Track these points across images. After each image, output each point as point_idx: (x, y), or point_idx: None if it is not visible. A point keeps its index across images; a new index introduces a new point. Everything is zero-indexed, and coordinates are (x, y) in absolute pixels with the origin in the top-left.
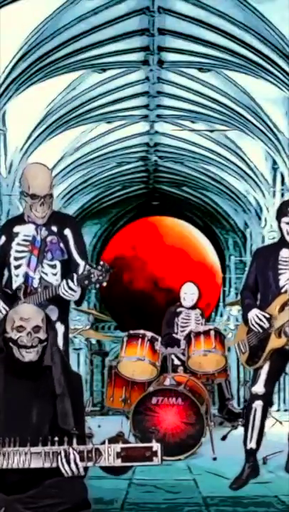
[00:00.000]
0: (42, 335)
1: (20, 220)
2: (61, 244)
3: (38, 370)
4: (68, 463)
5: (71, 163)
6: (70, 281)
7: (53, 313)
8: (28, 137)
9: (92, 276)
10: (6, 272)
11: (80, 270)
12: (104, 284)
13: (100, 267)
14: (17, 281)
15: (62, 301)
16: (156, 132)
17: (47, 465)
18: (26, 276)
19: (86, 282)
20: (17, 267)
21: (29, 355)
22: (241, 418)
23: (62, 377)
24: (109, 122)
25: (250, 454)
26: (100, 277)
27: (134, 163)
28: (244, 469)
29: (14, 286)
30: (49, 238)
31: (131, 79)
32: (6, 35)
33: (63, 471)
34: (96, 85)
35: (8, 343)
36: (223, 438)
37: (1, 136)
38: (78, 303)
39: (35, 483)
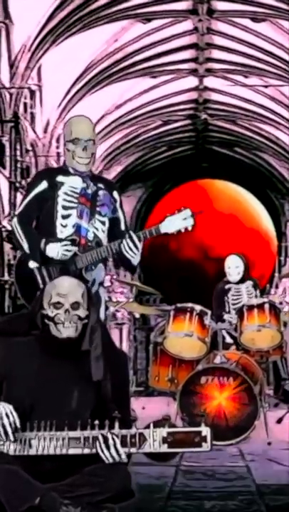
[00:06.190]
0: (82, 312)
1: (62, 170)
2: (112, 200)
3: (78, 350)
4: (108, 448)
5: (112, 122)
6: (134, 237)
7: (101, 272)
8: (66, 93)
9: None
10: (42, 218)
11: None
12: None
13: (181, 211)
14: (64, 232)
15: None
16: (206, 88)
17: (86, 451)
18: (78, 227)
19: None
20: (65, 217)
21: (67, 331)
22: None
23: (101, 362)
24: (154, 77)
25: None
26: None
27: (182, 122)
28: None
29: (60, 235)
30: (100, 192)
31: (178, 30)
32: None
33: (103, 458)
34: (140, 37)
35: (44, 320)
36: (279, 421)
37: (37, 92)
38: (134, 269)
39: (73, 471)
